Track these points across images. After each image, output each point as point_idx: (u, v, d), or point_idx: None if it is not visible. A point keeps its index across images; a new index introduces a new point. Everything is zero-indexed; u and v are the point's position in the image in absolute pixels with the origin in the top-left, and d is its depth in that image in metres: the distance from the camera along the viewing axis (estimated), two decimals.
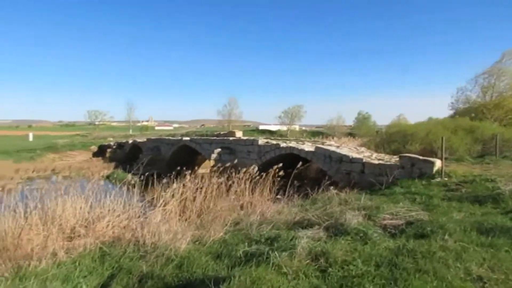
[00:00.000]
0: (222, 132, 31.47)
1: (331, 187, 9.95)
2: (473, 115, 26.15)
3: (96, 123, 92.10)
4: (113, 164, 29.11)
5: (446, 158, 15.43)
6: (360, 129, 59.24)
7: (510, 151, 16.49)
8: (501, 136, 18.40)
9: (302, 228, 5.40)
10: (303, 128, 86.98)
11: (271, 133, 67.04)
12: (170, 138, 28.51)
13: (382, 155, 15.14)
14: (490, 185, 8.30)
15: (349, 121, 74.36)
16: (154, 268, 3.70)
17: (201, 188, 14.64)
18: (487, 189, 8.01)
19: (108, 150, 35.34)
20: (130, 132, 76.80)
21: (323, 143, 18.75)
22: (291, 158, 15.84)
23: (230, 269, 3.49)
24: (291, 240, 4.11)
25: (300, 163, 14.99)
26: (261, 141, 17.89)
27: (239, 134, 24.91)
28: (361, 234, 4.45)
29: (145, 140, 30.95)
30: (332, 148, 14.33)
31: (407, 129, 21.42)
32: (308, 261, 3.52)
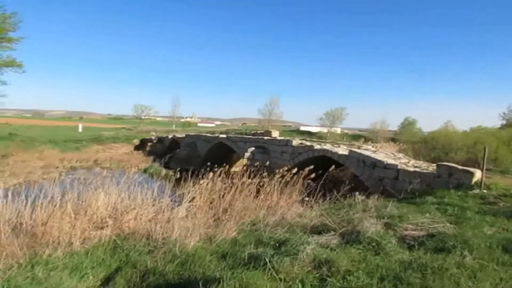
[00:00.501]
0: (259, 131, 31.57)
1: (359, 193, 9.70)
2: None
3: (142, 117, 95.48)
4: (151, 157, 30.06)
5: (490, 170, 14.54)
6: (404, 135, 57.06)
7: None
8: None
9: (318, 233, 5.29)
10: (345, 131, 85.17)
11: (310, 134, 66.35)
12: (207, 135, 28.99)
13: (420, 163, 14.51)
14: None
15: (394, 126, 71.86)
16: (158, 264, 3.76)
17: (231, 186, 14.81)
18: None
19: (149, 144, 36.56)
20: (173, 127, 78.88)
21: (359, 147, 18.28)
22: (325, 161, 15.58)
23: (231, 270, 3.48)
24: (300, 245, 4.02)
25: (333, 166, 14.76)
26: (295, 142, 17.74)
27: (275, 134, 24.85)
28: (374, 244, 4.27)
29: (184, 135, 31.71)
30: (367, 153, 13.92)
31: (451, 136, 20.37)
32: (310, 269, 3.42)
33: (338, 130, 77.21)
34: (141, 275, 3.62)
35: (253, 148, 19.64)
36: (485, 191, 9.46)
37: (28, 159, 26.70)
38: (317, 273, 3.37)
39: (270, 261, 3.40)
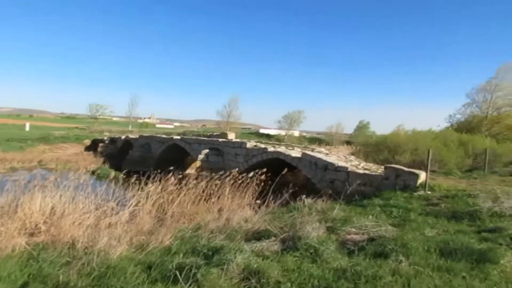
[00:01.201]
0: (214, 133, 31.11)
1: (308, 195, 9.63)
2: (467, 129, 25.88)
3: (97, 116, 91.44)
4: (102, 159, 28.75)
5: (434, 171, 15.12)
6: (358, 138, 58.85)
7: (500, 167, 16.15)
8: (492, 151, 18.08)
9: (258, 239, 5.06)
10: (304, 134, 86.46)
11: (269, 137, 66.63)
12: (161, 136, 28.17)
13: (370, 165, 14.81)
14: (471, 201, 7.96)
15: (350, 129, 73.90)
16: (72, 278, 3.33)
17: (181, 189, 14.30)
18: (467, 205, 7.67)
19: (100, 144, 34.99)
20: (130, 128, 76.34)
21: (312, 150, 18.40)
22: (279, 164, 15.49)
23: (152, 284, 3.13)
24: (234, 253, 3.74)
25: (286, 169, 14.70)
26: (249, 144, 17.54)
27: (231, 135, 24.52)
28: (312, 250, 4.08)
29: (137, 136, 30.61)
30: (319, 155, 13.98)
31: (397, 139, 21.08)
32: (237, 281, 3.15)
33: (297, 133, 78.24)
34: None
35: (207, 150, 19.20)
36: (429, 192, 9.71)
37: None
38: (245, 285, 3.11)
39: (194, 274, 3.09)
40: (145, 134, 31.48)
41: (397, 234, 5.04)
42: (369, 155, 19.77)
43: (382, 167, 13.17)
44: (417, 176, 10.44)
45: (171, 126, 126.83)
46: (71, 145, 39.96)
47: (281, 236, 4.92)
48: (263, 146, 17.13)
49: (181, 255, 3.96)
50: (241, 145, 17.63)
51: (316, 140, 67.14)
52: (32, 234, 7.16)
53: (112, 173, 23.69)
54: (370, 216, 6.44)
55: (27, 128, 59.26)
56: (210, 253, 4.01)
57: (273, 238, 4.89)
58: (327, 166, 13.08)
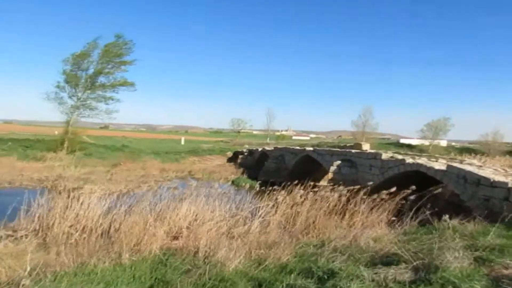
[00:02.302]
0: (348, 144, 30.11)
1: (452, 215, 8.27)
2: None
3: (238, 130, 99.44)
4: (241, 169, 30.71)
5: None
6: None
7: None
8: None
9: (386, 264, 4.45)
10: (452, 143, 76.96)
11: (410, 147, 61.33)
12: (295, 147, 28.57)
13: None
14: None
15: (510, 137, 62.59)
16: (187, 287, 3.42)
17: (312, 202, 14.08)
18: None
19: (240, 156, 37.55)
20: (268, 140, 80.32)
21: (461, 162, 16.02)
22: (418, 178, 13.92)
23: None
24: (350, 280, 3.32)
25: (434, 186, 13.18)
26: (385, 155, 16.26)
27: (365, 146, 23.34)
28: (450, 287, 3.34)
29: (272, 148, 31.81)
30: (469, 168, 12.02)
31: None
32: None
33: (444, 143, 70.13)
34: None
35: (339, 162, 18.58)
36: None
37: (133, 168, 29.43)
38: None
39: None
40: (279, 146, 32.48)
41: None
42: None
43: None
44: None
45: (307, 138, 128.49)
46: (216, 156, 43.88)
47: (414, 264, 4.22)
48: (400, 157, 15.67)
49: (295, 274, 3.72)
50: (376, 156, 16.49)
51: (468, 150, 58.72)
52: (175, 238, 7.94)
53: (249, 183, 25.28)
54: None
55: (182, 142, 67.77)
56: (326, 276, 3.66)
57: (403, 264, 4.24)
58: (479, 181, 11.12)
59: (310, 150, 23.66)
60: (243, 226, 9.65)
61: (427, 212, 8.62)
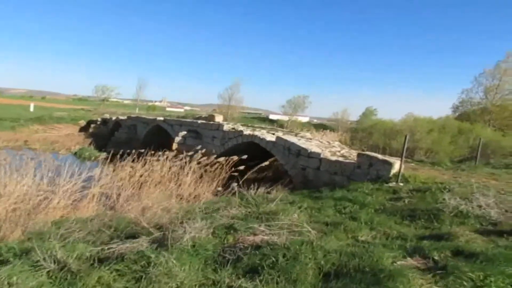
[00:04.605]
0: (203, 116, 29.93)
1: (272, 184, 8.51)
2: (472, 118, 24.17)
3: (104, 98, 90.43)
4: (90, 140, 27.96)
5: (421, 161, 13.77)
6: (362, 124, 56.93)
7: (499, 159, 14.73)
8: (497, 143, 16.62)
9: (134, 237, 3.95)
10: (315, 120, 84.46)
11: (272, 122, 65.08)
12: (147, 117, 27.10)
13: (352, 152, 13.49)
14: (441, 197, 6.67)
15: (357, 116, 71.46)
16: None
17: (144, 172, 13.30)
18: (433, 202, 6.42)
19: (92, 125, 34.21)
20: (137, 110, 75.23)
21: (296, 134, 17.16)
22: (256, 149, 14.32)
23: None
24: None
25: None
26: (226, 126, 16.32)
27: (218, 118, 23.25)
28: (143, 262, 2.93)
29: (126, 117, 29.63)
30: (292, 140, 12.74)
31: (389, 125, 19.63)
32: None
33: (307, 119, 76.44)
34: None
35: (184, 132, 18.07)
36: (401, 184, 8.48)
37: None
38: None
39: None
40: (132, 115, 30.48)
41: (311, 239, 3.86)
42: (356, 142, 18.40)
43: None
44: (391, 165, 9.19)
45: (181, 110, 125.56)
46: (66, 125, 39.05)
47: (155, 235, 3.80)
48: (240, 129, 15.92)
49: None
50: (218, 127, 16.44)
51: (322, 126, 65.25)
52: None
53: (93, 154, 23.05)
54: (296, 214, 5.24)
55: (32, 109, 58.41)
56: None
57: (143, 237, 3.77)
58: (299, 152, 11.86)
59: (160, 120, 22.60)
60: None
61: (235, 184, 8.69)
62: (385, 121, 22.69)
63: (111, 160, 12.54)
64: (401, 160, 9.02)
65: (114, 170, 12.07)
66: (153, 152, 13.48)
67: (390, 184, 8.52)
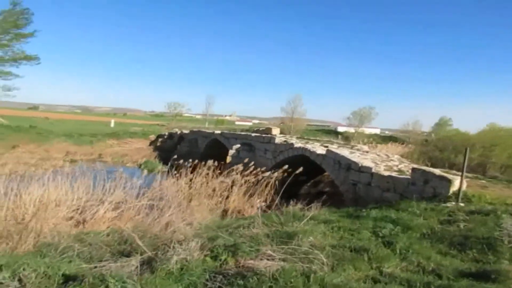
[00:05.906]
0: (261, 129, 29.78)
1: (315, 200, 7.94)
2: None
3: (175, 114, 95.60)
4: (156, 153, 29.34)
5: (495, 178, 12.08)
6: (437, 136, 52.76)
7: None
8: None
9: (128, 256, 3.74)
10: (386, 132, 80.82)
11: (337, 134, 63.19)
12: (207, 131, 27.72)
13: (414, 166, 12.25)
14: (508, 222, 5.58)
15: (429, 127, 66.48)
16: None
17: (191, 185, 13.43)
18: (494, 227, 5.37)
19: (160, 139, 35.94)
20: (206, 124, 78.26)
21: (352, 147, 16.21)
22: (307, 163, 13.69)
23: None
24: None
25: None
26: (278, 139, 15.93)
27: (275, 131, 23.03)
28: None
29: (188, 131, 30.66)
30: (343, 153, 11.94)
31: (463, 137, 17.64)
32: None
33: (378, 131, 73.54)
34: None
35: (238, 145, 18.03)
36: (461, 204, 7.38)
37: (34, 150, 26.68)
38: None
39: None
40: (194, 129, 31.43)
41: (308, 272, 3.30)
42: (421, 156, 16.79)
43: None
44: (449, 182, 8.10)
45: (250, 123, 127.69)
46: (138, 140, 41.48)
47: (148, 255, 3.55)
48: (291, 141, 15.43)
49: None
50: (270, 140, 16.12)
51: (391, 139, 61.75)
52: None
53: (159, 166, 24.04)
54: (320, 236, 4.66)
55: (112, 125, 63.20)
56: None
57: (136, 256, 3.54)
58: (350, 166, 11.05)
59: (218, 134, 22.96)
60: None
61: (277, 199, 8.24)
62: (463, 133, 20.52)
63: (169, 172, 12.85)
64: (461, 176, 7.88)
65: (168, 182, 12.33)
66: (209, 164, 13.58)
67: (448, 204, 7.45)
